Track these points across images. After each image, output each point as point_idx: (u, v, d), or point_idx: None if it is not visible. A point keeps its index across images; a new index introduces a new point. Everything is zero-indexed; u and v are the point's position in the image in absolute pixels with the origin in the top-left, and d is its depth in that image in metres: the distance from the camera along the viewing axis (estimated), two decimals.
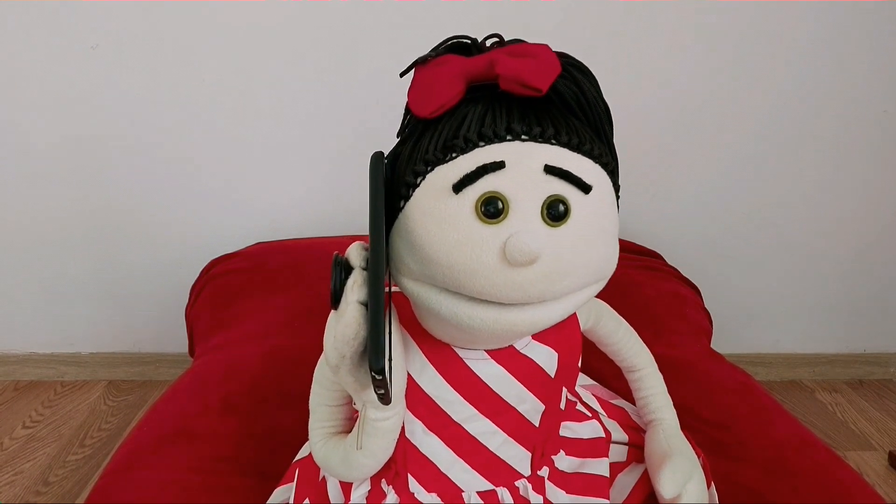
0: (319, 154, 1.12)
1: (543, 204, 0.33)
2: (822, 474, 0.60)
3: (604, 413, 0.54)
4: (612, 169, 0.37)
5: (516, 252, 0.31)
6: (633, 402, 0.56)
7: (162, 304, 1.21)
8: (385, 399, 0.33)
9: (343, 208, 1.16)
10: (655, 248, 1.10)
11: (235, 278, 0.97)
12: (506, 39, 0.38)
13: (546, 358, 0.44)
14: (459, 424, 0.43)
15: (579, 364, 0.49)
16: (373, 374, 0.30)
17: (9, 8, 1.02)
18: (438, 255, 0.33)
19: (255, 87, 1.07)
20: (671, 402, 0.53)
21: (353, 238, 1.06)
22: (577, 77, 0.36)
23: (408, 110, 0.38)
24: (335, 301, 0.34)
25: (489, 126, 0.34)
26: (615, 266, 0.37)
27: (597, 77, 0.37)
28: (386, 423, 0.39)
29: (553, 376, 0.44)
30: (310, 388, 0.47)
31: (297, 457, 0.53)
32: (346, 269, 0.34)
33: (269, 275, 0.96)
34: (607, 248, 0.36)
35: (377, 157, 0.35)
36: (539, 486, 0.46)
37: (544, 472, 0.46)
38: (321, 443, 0.44)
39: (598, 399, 0.56)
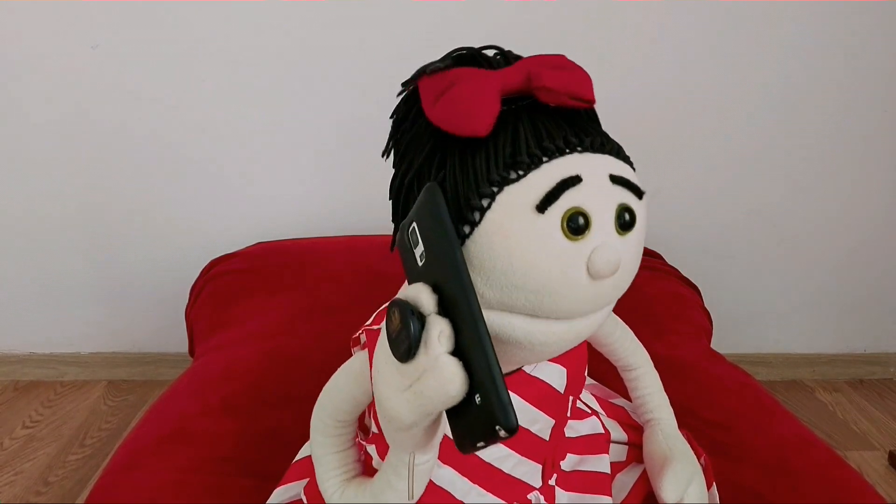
0: (319, 154, 1.12)
1: (615, 214, 0.33)
2: (822, 474, 0.60)
3: (603, 412, 0.54)
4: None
5: (603, 264, 0.31)
6: (631, 401, 0.56)
7: (162, 304, 1.21)
8: (475, 449, 0.29)
9: (343, 208, 1.16)
10: (655, 248, 1.10)
11: (235, 278, 0.97)
12: (483, 46, 0.37)
13: (556, 376, 0.44)
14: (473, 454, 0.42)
15: (585, 373, 0.49)
16: (501, 433, 0.26)
17: (9, 8, 1.02)
18: (525, 278, 0.31)
19: (255, 88, 1.07)
20: (668, 402, 0.53)
21: (353, 238, 1.07)
22: None
23: (418, 129, 0.35)
24: (408, 354, 0.29)
25: (548, 139, 0.32)
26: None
27: (595, 75, 0.36)
28: (428, 465, 0.37)
29: (563, 392, 0.44)
30: (309, 388, 0.46)
31: (297, 457, 0.53)
32: (420, 316, 0.30)
33: (269, 275, 0.96)
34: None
35: (433, 188, 0.31)
36: (549, 495, 0.46)
37: (553, 479, 0.47)
38: (338, 493, 0.42)
39: (598, 398, 0.55)
